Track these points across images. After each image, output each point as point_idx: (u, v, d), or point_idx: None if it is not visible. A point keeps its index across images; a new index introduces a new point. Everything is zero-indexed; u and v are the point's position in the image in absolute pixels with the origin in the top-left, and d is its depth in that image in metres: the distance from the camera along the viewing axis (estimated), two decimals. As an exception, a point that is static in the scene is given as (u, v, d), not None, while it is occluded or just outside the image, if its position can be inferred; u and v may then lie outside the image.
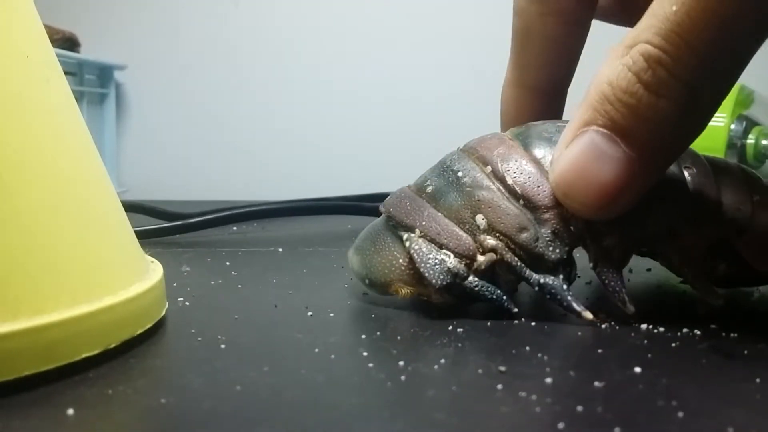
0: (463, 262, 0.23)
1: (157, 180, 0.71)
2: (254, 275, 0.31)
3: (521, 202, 0.23)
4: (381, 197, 0.54)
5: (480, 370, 0.18)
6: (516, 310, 0.23)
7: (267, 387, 0.17)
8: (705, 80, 0.20)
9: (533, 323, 0.23)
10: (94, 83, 0.67)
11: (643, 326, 0.22)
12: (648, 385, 0.17)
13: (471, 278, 0.23)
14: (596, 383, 0.17)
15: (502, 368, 0.18)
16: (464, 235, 0.23)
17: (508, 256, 0.23)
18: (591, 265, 0.23)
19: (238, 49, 0.72)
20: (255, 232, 0.45)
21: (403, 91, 0.70)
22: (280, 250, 0.38)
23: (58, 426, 0.15)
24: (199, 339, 0.21)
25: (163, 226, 0.41)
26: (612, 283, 0.23)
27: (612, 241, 0.23)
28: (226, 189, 0.70)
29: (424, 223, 0.24)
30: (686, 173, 0.24)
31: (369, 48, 0.71)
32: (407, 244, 0.24)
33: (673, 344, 0.21)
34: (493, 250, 0.23)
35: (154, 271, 0.24)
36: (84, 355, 0.18)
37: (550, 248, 0.23)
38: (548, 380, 0.18)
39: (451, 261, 0.23)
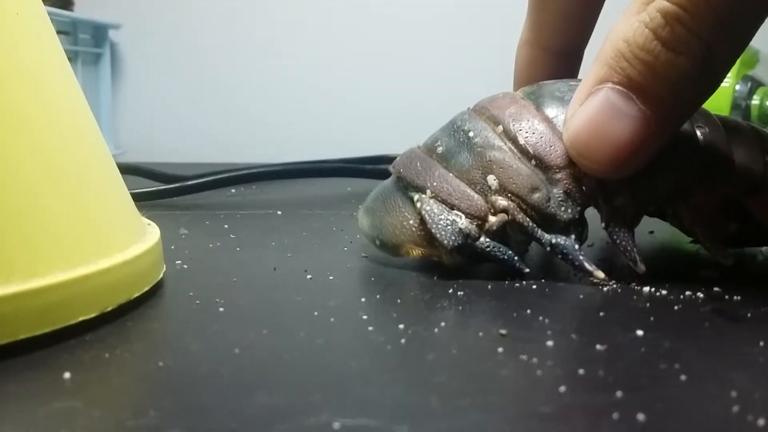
0: (475, 223, 0.23)
1: (155, 142, 0.71)
2: (253, 238, 0.31)
3: (533, 162, 0.23)
4: (381, 160, 0.54)
5: (480, 334, 0.18)
6: (527, 270, 0.23)
7: (266, 350, 0.17)
8: (722, 37, 0.19)
9: (534, 286, 0.23)
10: (89, 43, 0.66)
11: (646, 289, 0.22)
12: (650, 348, 0.17)
13: (482, 239, 0.23)
14: (598, 346, 0.17)
15: (503, 331, 0.18)
16: (476, 195, 0.23)
17: (520, 216, 0.23)
18: (602, 224, 0.23)
19: (236, 6, 0.70)
20: (254, 195, 0.44)
21: (407, 51, 0.69)
22: (279, 212, 0.37)
23: (55, 390, 0.15)
24: (198, 302, 0.21)
25: (160, 188, 0.41)
26: (624, 243, 0.23)
27: (624, 200, 0.23)
28: (224, 151, 0.69)
29: (435, 183, 0.24)
30: (698, 132, 0.24)
31: (371, 4, 0.70)
32: (418, 205, 0.24)
33: (676, 307, 0.21)
34: (504, 210, 0.23)
35: (151, 233, 0.24)
36: (80, 319, 0.18)
37: (562, 208, 0.23)
38: (549, 343, 0.18)
39: (463, 222, 0.23)
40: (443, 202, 0.23)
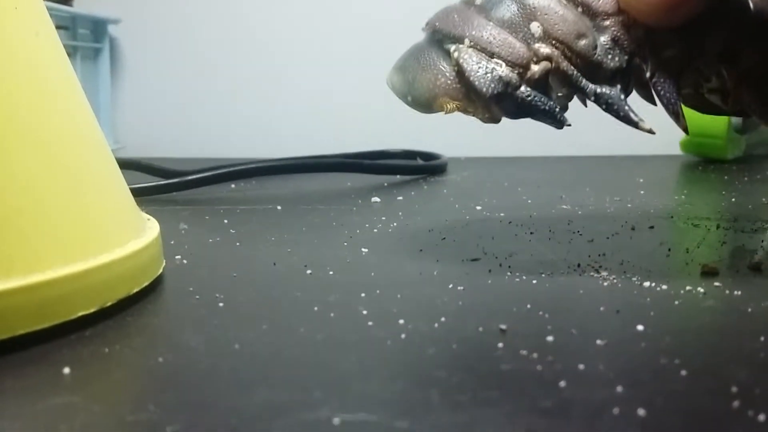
0: (516, 71, 0.22)
1: (154, 137, 0.71)
2: (253, 233, 0.31)
3: (580, 9, 0.22)
4: (381, 155, 0.54)
5: (480, 329, 0.18)
6: (569, 123, 0.23)
7: (266, 346, 0.17)
8: None
9: (534, 281, 0.23)
10: (88, 38, 0.66)
11: (646, 284, 0.22)
12: (651, 343, 0.17)
13: (523, 88, 0.22)
14: (598, 341, 0.17)
15: (503, 326, 0.18)
16: (518, 43, 0.22)
17: (564, 64, 0.22)
18: (647, 75, 0.22)
19: (235, 1, 0.70)
20: (254, 190, 0.44)
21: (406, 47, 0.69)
22: (279, 208, 0.37)
23: (55, 385, 0.15)
24: (197, 297, 0.21)
25: (159, 183, 0.41)
26: (668, 95, 0.22)
27: (672, 52, 0.22)
28: (224, 146, 0.69)
29: (474, 32, 0.23)
30: None
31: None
32: (455, 55, 0.23)
33: (676, 302, 0.21)
34: (548, 58, 0.22)
35: (151, 228, 0.24)
36: (80, 314, 0.18)
37: (609, 56, 0.22)
38: (549, 338, 0.18)
39: (503, 69, 0.22)
40: (483, 51, 0.22)
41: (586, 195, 0.40)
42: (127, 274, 0.20)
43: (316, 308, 0.20)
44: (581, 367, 0.16)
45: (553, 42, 0.22)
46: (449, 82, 0.23)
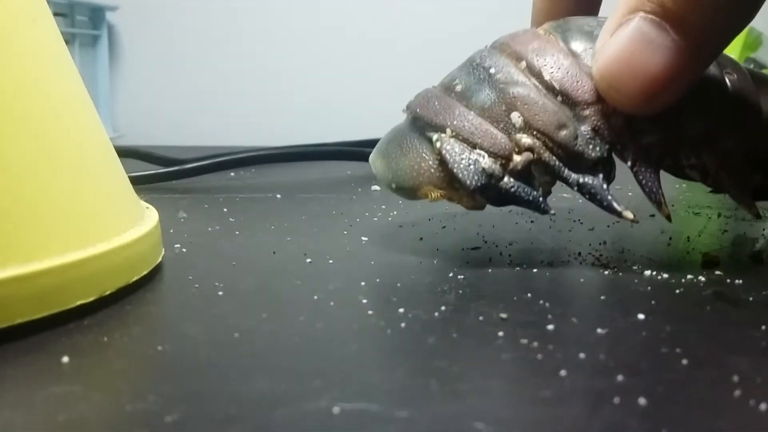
0: (499, 162, 0.22)
1: (153, 125, 0.70)
2: (252, 222, 0.31)
3: (559, 98, 0.22)
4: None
5: (481, 318, 0.18)
6: (554, 211, 0.23)
7: (265, 334, 0.17)
8: None
9: (535, 270, 0.23)
10: (86, 25, 0.66)
11: (647, 273, 0.22)
12: (652, 332, 0.17)
13: (506, 179, 0.22)
14: (599, 330, 0.17)
15: (504, 315, 0.18)
16: (499, 133, 0.22)
17: (546, 155, 0.22)
18: (629, 164, 0.22)
19: (234, -11, 0.70)
20: (253, 178, 0.44)
21: (407, 33, 0.69)
22: (279, 196, 0.37)
23: (53, 374, 0.15)
24: (197, 286, 0.21)
25: (158, 171, 0.40)
26: (649, 184, 0.22)
27: (652, 139, 0.22)
28: (223, 134, 0.69)
29: (455, 122, 0.22)
30: (727, 78, 0.23)
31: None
32: (437, 144, 0.22)
33: (677, 291, 0.21)
34: (530, 149, 0.22)
35: (150, 217, 0.23)
36: (78, 303, 0.18)
37: (590, 146, 0.22)
38: (550, 327, 0.17)
39: (486, 161, 0.22)
40: (465, 141, 0.22)
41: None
42: (126, 263, 0.20)
43: (315, 297, 0.20)
44: (582, 356, 0.16)
45: (534, 132, 0.22)
46: (433, 171, 0.23)
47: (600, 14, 0.29)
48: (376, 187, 0.39)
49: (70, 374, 0.15)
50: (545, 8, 0.28)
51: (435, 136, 0.23)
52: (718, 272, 0.22)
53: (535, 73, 0.22)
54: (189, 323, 0.18)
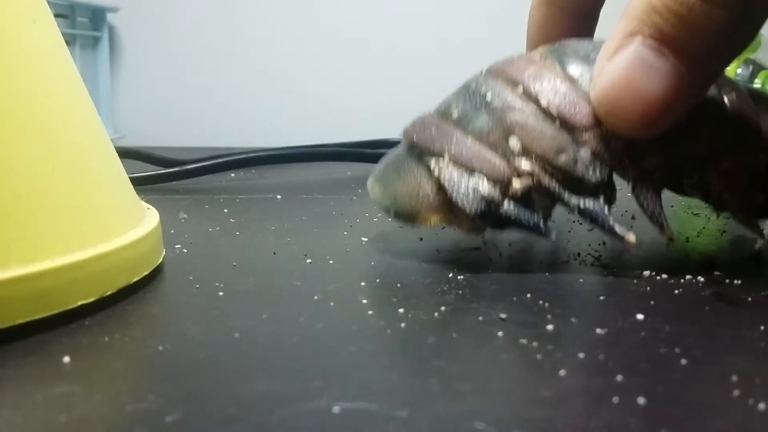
0: (498, 188, 0.22)
1: (154, 126, 0.71)
2: (252, 222, 0.31)
3: (557, 123, 0.22)
4: (381, 144, 0.53)
5: (480, 318, 0.18)
6: (554, 237, 0.23)
7: (266, 335, 0.17)
8: None
9: (534, 270, 0.23)
10: (87, 26, 0.66)
11: (646, 273, 0.22)
12: (651, 332, 0.17)
13: (506, 204, 0.22)
14: (598, 330, 0.17)
15: (503, 315, 0.18)
16: (498, 159, 0.22)
17: (546, 179, 0.22)
18: (630, 186, 0.22)
19: (234, -10, 0.70)
20: (253, 179, 0.44)
21: (405, 35, 0.69)
22: (279, 197, 0.37)
23: (54, 374, 0.15)
24: (197, 286, 0.21)
25: (159, 172, 0.41)
26: (651, 206, 0.22)
27: (653, 162, 0.22)
28: (223, 135, 0.69)
29: (453, 148, 0.22)
30: (725, 98, 0.23)
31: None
32: (436, 171, 0.22)
33: (677, 291, 0.21)
34: (529, 174, 0.22)
35: (151, 217, 0.23)
36: (79, 303, 0.18)
37: (590, 170, 0.22)
38: (549, 327, 0.18)
39: (485, 187, 0.22)
40: (463, 167, 0.22)
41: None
42: (127, 264, 0.20)
43: (316, 297, 0.20)
44: (581, 355, 0.16)
45: (533, 157, 0.22)
46: (431, 196, 0.23)
47: (594, 37, 0.29)
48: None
49: (71, 374, 0.15)
50: (540, 32, 0.28)
51: (433, 163, 0.23)
52: (717, 273, 0.22)
53: (532, 98, 0.22)
54: (189, 324, 0.18)
